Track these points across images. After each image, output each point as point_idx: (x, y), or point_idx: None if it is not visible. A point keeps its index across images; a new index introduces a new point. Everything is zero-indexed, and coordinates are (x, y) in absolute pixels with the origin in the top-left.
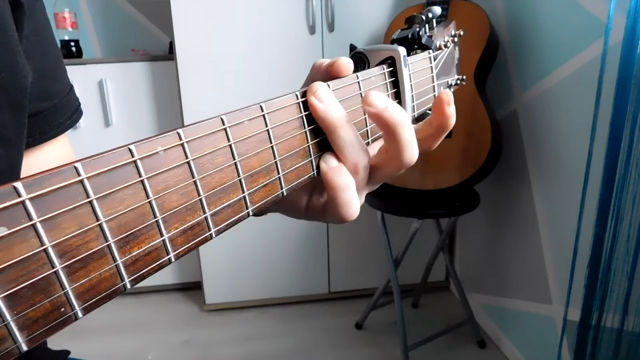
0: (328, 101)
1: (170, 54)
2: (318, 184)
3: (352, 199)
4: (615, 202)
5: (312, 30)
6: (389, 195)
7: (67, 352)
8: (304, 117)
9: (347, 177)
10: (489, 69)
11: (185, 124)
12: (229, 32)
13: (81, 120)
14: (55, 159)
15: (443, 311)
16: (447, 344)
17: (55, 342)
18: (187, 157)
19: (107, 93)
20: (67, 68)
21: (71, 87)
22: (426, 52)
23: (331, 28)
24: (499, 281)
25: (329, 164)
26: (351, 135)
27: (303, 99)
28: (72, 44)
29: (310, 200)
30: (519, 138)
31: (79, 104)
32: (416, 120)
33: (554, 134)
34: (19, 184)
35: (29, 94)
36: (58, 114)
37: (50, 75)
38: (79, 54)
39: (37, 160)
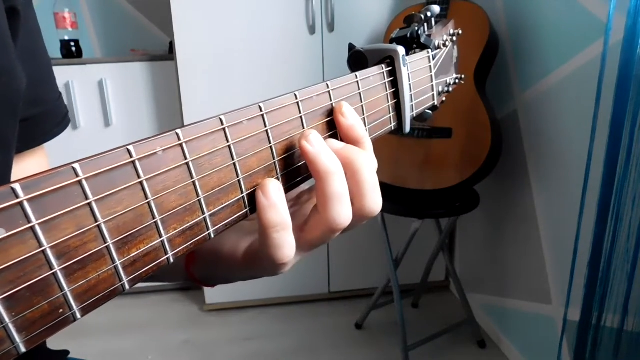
0: (320, 147)
1: (170, 54)
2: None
3: (286, 241)
4: (615, 202)
5: (312, 30)
6: (388, 195)
7: (67, 352)
8: (303, 118)
9: (285, 214)
10: (489, 68)
11: (185, 124)
12: (229, 32)
13: (81, 120)
14: (33, 168)
15: (443, 311)
16: (447, 344)
17: (55, 342)
18: (185, 158)
19: (107, 93)
20: (67, 68)
21: (60, 94)
22: (425, 52)
23: (331, 28)
24: (499, 281)
25: (270, 196)
26: (342, 187)
27: (302, 98)
28: (72, 44)
29: (252, 246)
30: (519, 138)
31: (67, 111)
32: (415, 119)
33: (554, 134)
34: (17, 185)
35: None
36: (46, 120)
37: (41, 81)
38: (79, 54)
39: (18, 170)
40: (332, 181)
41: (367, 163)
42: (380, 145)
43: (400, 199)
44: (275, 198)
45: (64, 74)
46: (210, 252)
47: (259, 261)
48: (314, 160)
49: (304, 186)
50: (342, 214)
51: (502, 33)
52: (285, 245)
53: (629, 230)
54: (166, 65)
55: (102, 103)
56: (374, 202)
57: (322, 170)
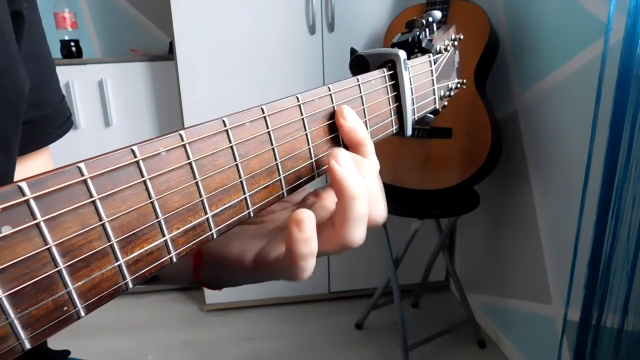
0: (349, 168)
1: (170, 54)
2: (275, 238)
3: (311, 265)
4: (615, 202)
5: (312, 30)
6: (388, 195)
7: (67, 352)
8: (305, 120)
9: (315, 244)
10: (489, 69)
11: (185, 123)
12: (229, 32)
13: (81, 120)
14: (37, 170)
15: (443, 311)
16: (447, 344)
17: (55, 342)
18: (189, 158)
19: (107, 93)
20: (67, 68)
21: (63, 97)
22: (426, 56)
23: (331, 28)
24: (499, 281)
25: (305, 230)
26: (364, 210)
27: (304, 101)
28: (72, 44)
29: (263, 251)
30: (519, 138)
31: (70, 114)
32: (416, 122)
33: (554, 134)
34: (23, 184)
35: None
36: (49, 122)
37: (43, 84)
38: (79, 54)
39: (21, 171)
40: (356, 205)
41: (371, 173)
42: (380, 145)
43: (400, 199)
44: (310, 231)
45: (64, 74)
46: (217, 257)
47: (274, 273)
48: (341, 182)
49: (308, 187)
50: (358, 235)
51: (502, 33)
52: (309, 268)
53: (629, 230)
54: (166, 65)
55: (102, 103)
56: (380, 210)
57: (348, 193)
